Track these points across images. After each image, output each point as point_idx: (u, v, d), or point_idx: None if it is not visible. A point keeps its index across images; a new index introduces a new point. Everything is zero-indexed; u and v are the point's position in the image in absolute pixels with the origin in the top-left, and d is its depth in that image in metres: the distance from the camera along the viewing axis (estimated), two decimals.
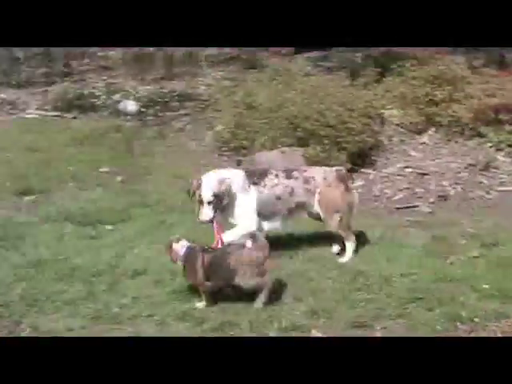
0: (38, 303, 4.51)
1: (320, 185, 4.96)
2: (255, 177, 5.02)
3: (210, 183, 4.84)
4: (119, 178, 7.47)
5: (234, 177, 4.99)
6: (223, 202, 4.85)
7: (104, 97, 11.06)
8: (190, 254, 4.40)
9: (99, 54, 12.95)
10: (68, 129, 9.50)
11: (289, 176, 4.98)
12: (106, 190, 7.05)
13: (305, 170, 5.13)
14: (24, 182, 7.13)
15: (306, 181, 4.97)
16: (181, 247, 4.44)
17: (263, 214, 4.97)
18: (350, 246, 5.05)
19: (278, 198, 4.93)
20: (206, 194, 4.80)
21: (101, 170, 7.75)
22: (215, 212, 4.82)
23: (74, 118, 10.22)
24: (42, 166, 7.74)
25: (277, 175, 4.98)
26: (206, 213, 4.81)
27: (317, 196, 4.95)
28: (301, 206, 5.02)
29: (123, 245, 5.55)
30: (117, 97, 10.95)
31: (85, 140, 8.83)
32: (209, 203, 4.80)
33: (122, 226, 5.98)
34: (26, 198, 6.81)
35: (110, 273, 5.01)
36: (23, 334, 4.09)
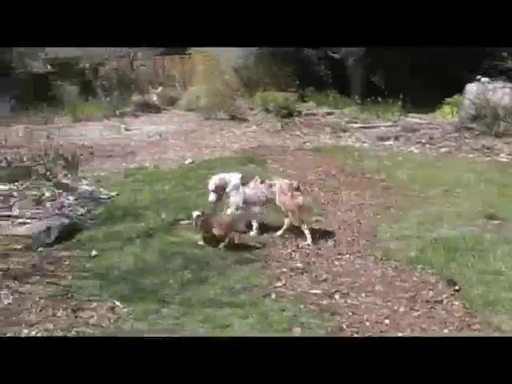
0: (494, 305, 5.31)
1: (278, 190, 7.08)
2: (245, 181, 7.25)
3: (214, 180, 7.26)
4: None
5: (232, 178, 7.29)
6: (222, 192, 7.22)
7: None
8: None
9: None
10: None
11: (262, 183, 7.23)
12: None
13: (272, 180, 7.34)
14: (491, 209, 8.11)
15: (270, 187, 7.15)
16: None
17: (249, 203, 7.21)
18: (306, 231, 6.95)
19: (256, 194, 7.19)
20: (211, 185, 7.23)
21: None
22: (217, 197, 7.21)
23: None
24: (506, 199, 8.72)
25: (256, 181, 7.27)
26: (211, 196, 7.24)
27: (277, 197, 7.09)
28: (269, 201, 7.17)
29: None
30: None
31: None
32: (212, 191, 7.21)
33: None
34: (492, 222, 7.72)
35: None
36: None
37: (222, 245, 6.69)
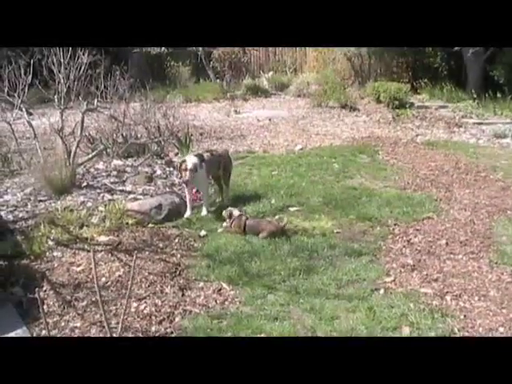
0: None
1: (223, 159, 8.05)
2: (202, 157, 7.58)
3: (192, 160, 7.36)
4: None
5: (194, 159, 7.44)
6: (198, 170, 7.34)
7: None
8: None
9: None
10: None
11: (212, 154, 7.89)
12: None
13: (220, 152, 8.40)
14: None
15: (219, 156, 8.03)
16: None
17: (209, 172, 7.69)
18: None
19: (211, 162, 7.72)
20: (189, 165, 7.25)
21: None
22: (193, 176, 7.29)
23: None
24: None
25: (208, 155, 7.78)
26: (188, 175, 7.24)
27: (222, 163, 7.96)
28: (219, 166, 7.89)
29: None
30: None
31: None
32: (190, 170, 7.25)
33: None
34: None
35: None
36: None
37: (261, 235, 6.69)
